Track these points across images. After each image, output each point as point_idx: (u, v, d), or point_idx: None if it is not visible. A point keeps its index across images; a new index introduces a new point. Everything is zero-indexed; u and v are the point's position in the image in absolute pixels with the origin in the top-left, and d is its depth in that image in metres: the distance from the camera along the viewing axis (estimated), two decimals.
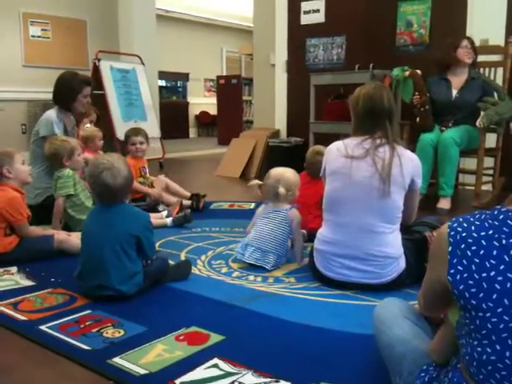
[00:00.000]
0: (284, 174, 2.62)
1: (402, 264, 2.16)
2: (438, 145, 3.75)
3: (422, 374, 1.20)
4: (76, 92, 3.49)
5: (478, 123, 3.62)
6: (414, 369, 1.25)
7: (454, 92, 3.96)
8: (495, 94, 3.87)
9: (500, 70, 4.11)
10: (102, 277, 2.06)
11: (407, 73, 4.06)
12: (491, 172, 4.10)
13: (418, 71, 4.11)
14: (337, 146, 2.28)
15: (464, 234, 1.02)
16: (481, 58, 4.06)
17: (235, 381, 1.47)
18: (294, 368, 1.55)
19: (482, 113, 3.72)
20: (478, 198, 3.81)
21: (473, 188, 3.96)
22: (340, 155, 2.20)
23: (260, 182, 2.79)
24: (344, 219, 2.17)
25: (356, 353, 1.65)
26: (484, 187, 4.01)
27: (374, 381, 1.49)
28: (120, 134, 5.94)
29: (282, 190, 2.53)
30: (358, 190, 2.14)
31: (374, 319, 1.50)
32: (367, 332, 1.67)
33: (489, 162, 4.03)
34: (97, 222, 2.16)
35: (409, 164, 2.17)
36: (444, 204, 3.75)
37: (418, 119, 3.99)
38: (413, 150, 2.30)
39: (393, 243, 2.16)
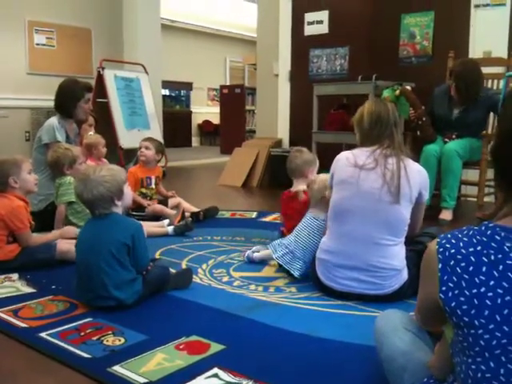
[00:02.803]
0: (326, 179, 2.56)
1: (404, 275, 2.16)
2: (442, 156, 3.74)
3: None
4: (77, 98, 3.51)
5: None
6: (415, 381, 1.24)
7: (456, 112, 3.93)
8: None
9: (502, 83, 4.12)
10: (99, 287, 2.06)
11: (397, 91, 4.06)
12: (494, 183, 4.10)
13: (408, 87, 4.11)
14: (345, 155, 2.27)
15: (453, 251, 1.02)
16: (484, 71, 4.06)
17: None
18: (294, 378, 1.54)
19: None
20: (481, 209, 3.80)
21: (475, 199, 3.95)
22: (348, 165, 2.19)
23: (306, 188, 2.74)
24: (349, 229, 2.16)
25: (357, 364, 1.64)
26: (486, 199, 4.01)
27: None
28: (123, 142, 5.97)
29: (328, 193, 2.41)
30: (366, 200, 2.13)
31: (374, 331, 1.49)
32: (368, 343, 1.66)
33: (491, 173, 4.02)
34: (88, 234, 2.16)
35: (416, 177, 2.16)
36: (446, 215, 3.75)
37: (418, 132, 3.99)
38: (417, 161, 2.30)
39: (397, 255, 2.15)
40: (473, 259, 0.99)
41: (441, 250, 1.03)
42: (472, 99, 3.79)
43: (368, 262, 2.12)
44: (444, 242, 1.04)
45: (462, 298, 0.98)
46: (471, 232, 1.03)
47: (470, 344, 0.97)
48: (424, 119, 3.89)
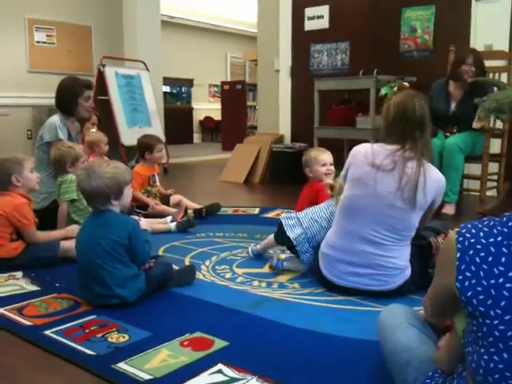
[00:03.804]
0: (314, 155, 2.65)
1: (408, 272, 2.16)
2: (443, 151, 3.74)
3: (428, 381, 1.20)
4: (77, 96, 3.51)
5: (474, 124, 3.58)
6: (419, 376, 1.25)
7: (453, 105, 3.95)
8: (495, 90, 3.82)
9: (504, 76, 4.11)
10: (101, 286, 2.06)
11: (395, 88, 4.04)
12: (496, 177, 4.10)
13: (405, 83, 4.10)
14: (365, 150, 2.18)
15: (472, 240, 1.02)
16: (485, 64, 4.05)
17: None
18: (298, 374, 1.55)
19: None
20: (483, 203, 3.80)
21: (478, 194, 3.95)
22: (366, 163, 2.13)
23: (332, 182, 2.69)
24: (357, 227, 2.14)
25: (360, 359, 1.65)
26: (489, 193, 4.00)
27: None
28: (124, 139, 5.97)
29: (339, 183, 2.40)
30: (378, 202, 2.10)
31: (378, 325, 1.50)
32: (372, 338, 1.67)
33: (493, 167, 4.02)
34: (86, 234, 2.16)
35: (433, 185, 2.11)
36: (449, 210, 3.74)
37: None
38: None
39: (401, 255, 2.15)
40: (492, 249, 0.99)
41: (460, 239, 1.03)
42: (475, 82, 3.84)
43: (373, 261, 2.12)
44: (464, 231, 1.04)
45: (479, 288, 0.98)
46: (492, 222, 1.03)
47: (484, 334, 0.97)
48: None
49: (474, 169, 4.14)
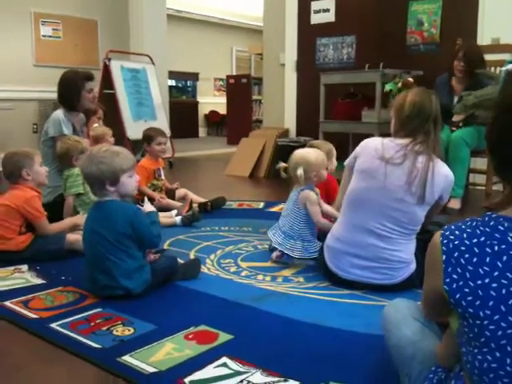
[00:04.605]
0: (305, 155, 2.57)
1: (413, 266, 2.16)
2: (449, 145, 3.73)
3: (431, 376, 1.20)
4: (79, 89, 3.51)
5: (454, 117, 3.61)
6: (423, 370, 1.25)
7: (455, 99, 3.95)
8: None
9: None
10: (106, 276, 2.07)
11: (400, 84, 4.02)
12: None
13: (410, 79, 4.09)
14: (375, 144, 2.18)
15: (456, 242, 1.01)
16: (492, 57, 4.03)
17: (244, 380, 1.47)
18: (302, 367, 1.55)
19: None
20: (489, 197, 3.78)
21: (483, 188, 3.93)
22: (376, 156, 2.13)
23: (285, 165, 2.71)
24: (363, 220, 2.14)
25: (365, 352, 1.65)
26: (495, 187, 3.98)
27: (383, 381, 1.49)
28: (130, 133, 5.97)
29: (299, 171, 2.48)
30: (385, 196, 2.10)
31: (382, 319, 1.50)
32: (376, 332, 1.67)
33: None
34: (90, 222, 2.16)
35: (441, 181, 2.11)
36: (454, 204, 3.73)
37: None
38: None
39: (407, 249, 2.15)
40: (476, 250, 0.99)
41: (445, 241, 1.03)
42: (474, 76, 3.83)
43: (379, 254, 2.12)
44: (448, 233, 1.04)
45: (467, 290, 0.98)
46: (474, 223, 1.03)
47: (476, 335, 0.97)
48: None
49: (480, 163, 4.12)
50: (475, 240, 1.00)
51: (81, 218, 2.83)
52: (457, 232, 1.03)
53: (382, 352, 1.51)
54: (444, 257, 1.02)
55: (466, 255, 0.99)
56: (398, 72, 4.46)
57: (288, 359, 1.60)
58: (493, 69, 4.11)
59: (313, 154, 2.58)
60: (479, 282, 0.97)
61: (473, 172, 4.20)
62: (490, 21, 4.44)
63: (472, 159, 3.92)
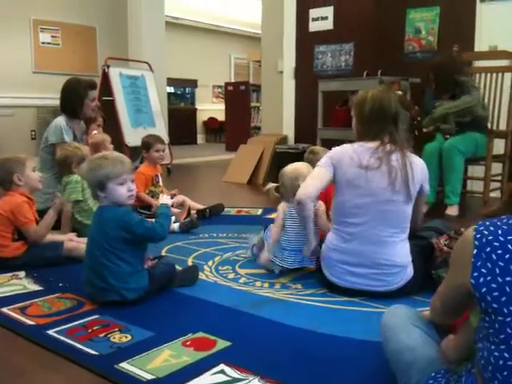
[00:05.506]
0: (299, 169, 2.56)
1: (409, 272, 2.15)
2: (442, 153, 3.74)
3: (430, 382, 1.20)
4: (82, 97, 3.51)
5: (424, 129, 3.69)
6: (422, 377, 1.24)
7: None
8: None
9: (508, 75, 4.10)
10: (102, 280, 2.07)
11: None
12: (499, 178, 4.08)
13: (399, 92, 4.12)
14: (348, 152, 2.20)
15: (490, 238, 1.02)
16: (490, 64, 4.05)
17: None
18: (300, 374, 1.55)
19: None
20: (487, 205, 3.79)
21: (481, 195, 3.93)
22: (354, 165, 2.15)
23: (276, 184, 2.71)
24: (354, 228, 2.16)
25: (363, 360, 1.65)
26: (492, 194, 3.99)
27: None
28: (129, 139, 5.98)
29: (301, 182, 2.40)
30: (372, 200, 2.12)
31: (381, 326, 1.49)
32: (374, 339, 1.67)
33: (497, 168, 4.02)
34: (92, 227, 2.19)
35: (419, 171, 2.17)
36: (452, 211, 3.74)
37: (416, 132, 3.98)
38: None
39: (401, 252, 2.15)
40: (510, 247, 0.99)
41: (478, 236, 1.04)
42: (446, 89, 3.89)
43: (374, 260, 2.12)
44: (482, 228, 1.05)
45: (494, 285, 0.99)
46: (510, 221, 1.04)
47: (496, 331, 0.98)
48: (419, 119, 3.92)
49: (478, 170, 4.13)
50: (510, 237, 1.00)
51: (74, 244, 2.77)
52: (491, 228, 1.04)
53: (379, 359, 1.51)
54: (475, 251, 1.03)
55: (499, 251, 1.00)
56: (396, 79, 4.47)
57: (286, 366, 1.60)
58: (490, 75, 4.13)
59: (303, 166, 2.59)
60: (508, 278, 0.97)
61: (470, 179, 4.21)
62: (488, 29, 4.46)
63: (469, 167, 3.93)
